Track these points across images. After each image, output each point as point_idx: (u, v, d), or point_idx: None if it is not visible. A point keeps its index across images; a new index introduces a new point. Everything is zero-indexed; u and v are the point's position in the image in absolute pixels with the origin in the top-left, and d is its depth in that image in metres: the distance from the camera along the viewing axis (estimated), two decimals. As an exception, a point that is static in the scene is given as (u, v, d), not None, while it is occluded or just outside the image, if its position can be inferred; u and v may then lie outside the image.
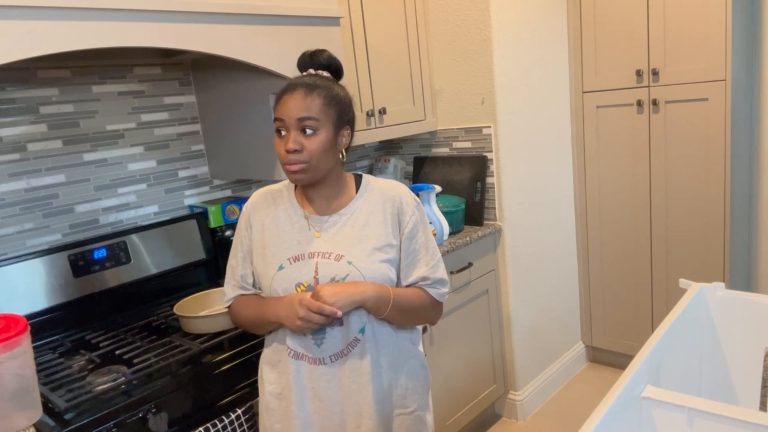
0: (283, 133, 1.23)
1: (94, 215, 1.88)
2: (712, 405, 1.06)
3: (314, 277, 1.26)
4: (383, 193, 1.34)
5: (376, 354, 1.29)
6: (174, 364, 1.45)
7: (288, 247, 1.29)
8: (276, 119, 1.23)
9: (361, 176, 1.39)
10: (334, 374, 1.28)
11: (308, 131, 1.21)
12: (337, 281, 1.25)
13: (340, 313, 1.19)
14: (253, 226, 1.35)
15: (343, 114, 1.27)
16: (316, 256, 1.27)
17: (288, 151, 1.21)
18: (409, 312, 1.32)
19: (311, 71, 1.29)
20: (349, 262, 1.25)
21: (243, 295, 1.38)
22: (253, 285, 1.38)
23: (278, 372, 1.32)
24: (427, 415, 1.40)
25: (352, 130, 1.32)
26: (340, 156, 1.30)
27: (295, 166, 1.22)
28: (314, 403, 1.29)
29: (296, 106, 1.20)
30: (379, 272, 1.27)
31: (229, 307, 1.41)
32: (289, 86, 1.24)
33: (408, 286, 1.34)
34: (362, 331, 1.27)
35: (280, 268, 1.28)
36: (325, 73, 1.29)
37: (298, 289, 1.26)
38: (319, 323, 1.21)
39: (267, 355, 1.36)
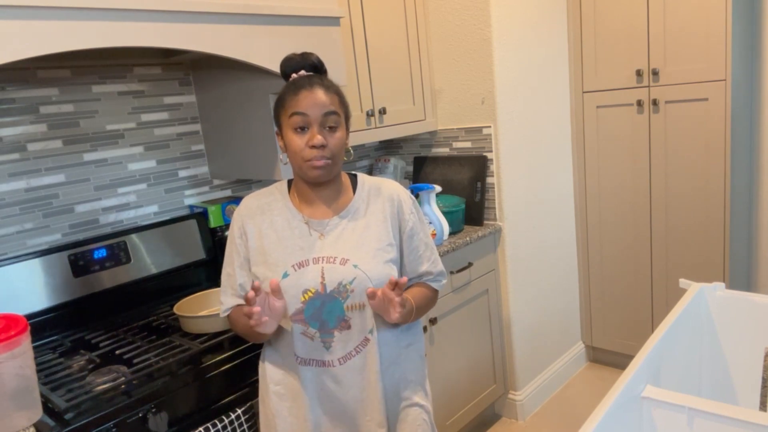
0: (304, 129, 1.22)
1: (94, 215, 1.88)
2: (712, 405, 1.06)
3: (321, 283, 1.25)
4: (381, 193, 1.36)
5: (383, 352, 1.32)
6: (174, 364, 1.45)
7: (291, 254, 1.27)
8: (296, 114, 1.21)
9: (356, 176, 1.39)
10: (344, 375, 1.29)
11: (332, 126, 1.23)
12: (344, 285, 1.25)
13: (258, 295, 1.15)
14: (248, 234, 1.32)
15: (348, 113, 1.31)
16: (321, 261, 1.27)
17: (314, 146, 1.21)
18: (421, 311, 1.39)
19: (303, 72, 1.28)
20: (355, 266, 1.26)
21: (240, 305, 1.35)
22: None
23: (284, 373, 1.33)
24: (428, 404, 1.44)
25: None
26: (347, 154, 1.32)
27: (320, 162, 1.22)
28: (325, 404, 1.31)
29: (320, 101, 1.21)
30: (384, 273, 1.28)
31: (228, 316, 1.39)
32: (304, 83, 1.23)
33: (410, 279, 1.40)
34: (371, 332, 1.30)
35: (285, 275, 1.26)
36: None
37: (305, 295, 1.25)
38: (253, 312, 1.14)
39: (269, 354, 1.37)
